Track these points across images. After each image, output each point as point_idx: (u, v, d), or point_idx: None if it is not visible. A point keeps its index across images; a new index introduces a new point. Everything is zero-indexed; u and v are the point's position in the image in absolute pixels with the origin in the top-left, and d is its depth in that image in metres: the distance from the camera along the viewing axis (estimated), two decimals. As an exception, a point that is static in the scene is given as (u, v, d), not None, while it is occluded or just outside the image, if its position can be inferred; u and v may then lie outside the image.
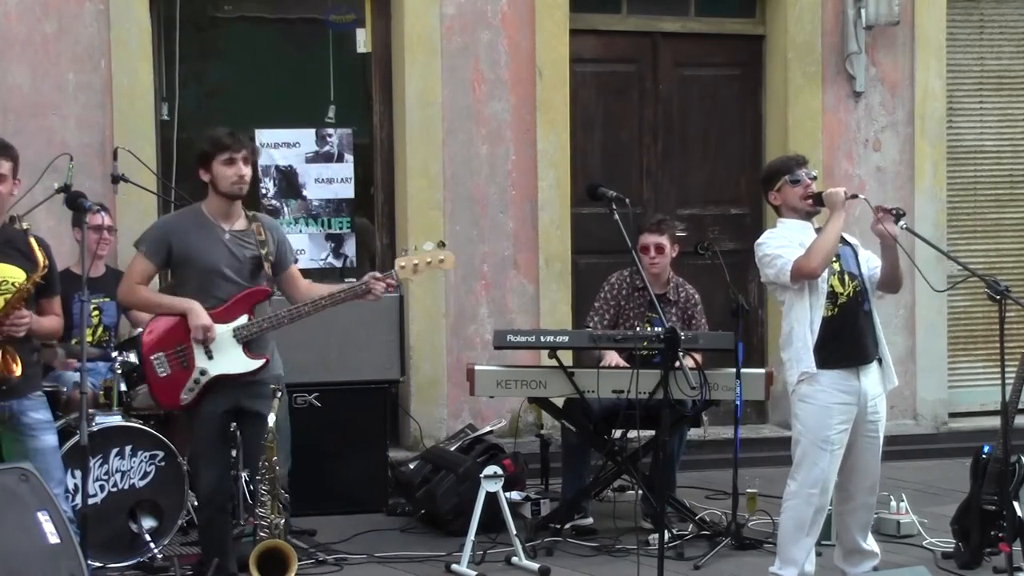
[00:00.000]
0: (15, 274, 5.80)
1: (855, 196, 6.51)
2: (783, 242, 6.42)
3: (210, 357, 6.21)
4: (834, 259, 6.38)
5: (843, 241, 6.49)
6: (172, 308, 6.26)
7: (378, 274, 6.43)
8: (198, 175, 6.36)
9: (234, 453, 6.90)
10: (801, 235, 6.42)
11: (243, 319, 6.26)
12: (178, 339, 6.23)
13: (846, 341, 6.36)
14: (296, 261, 6.75)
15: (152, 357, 6.25)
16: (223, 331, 6.22)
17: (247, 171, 6.29)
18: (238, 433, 6.65)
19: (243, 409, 6.32)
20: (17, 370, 5.72)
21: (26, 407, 5.82)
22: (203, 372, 6.22)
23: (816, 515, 6.40)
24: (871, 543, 6.66)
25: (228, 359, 6.24)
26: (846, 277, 6.41)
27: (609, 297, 8.05)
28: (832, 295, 6.36)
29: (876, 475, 6.56)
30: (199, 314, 6.17)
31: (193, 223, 6.35)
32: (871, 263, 6.53)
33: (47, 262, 5.82)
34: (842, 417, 6.34)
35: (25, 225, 5.96)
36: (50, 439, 5.88)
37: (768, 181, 6.61)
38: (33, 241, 5.81)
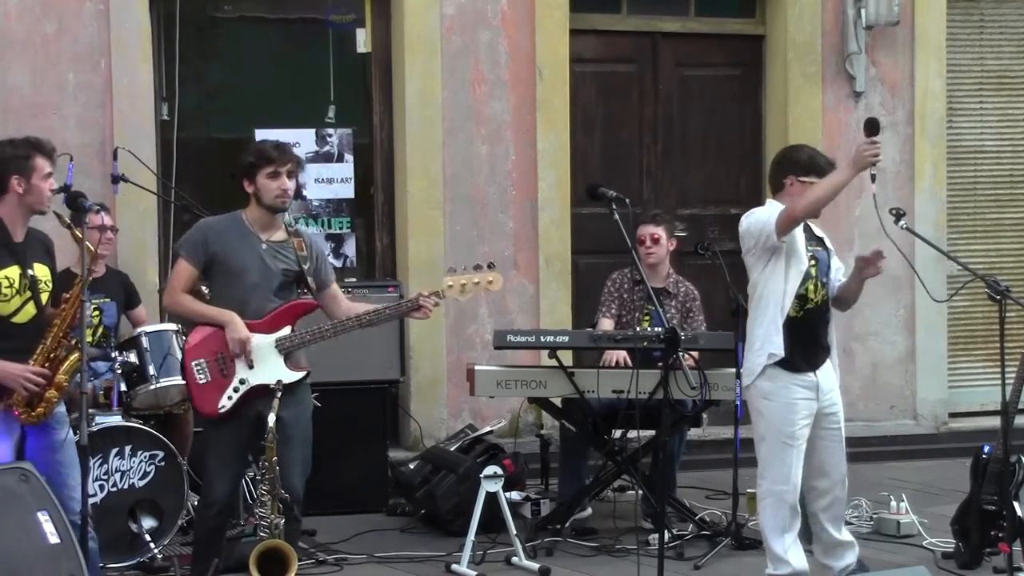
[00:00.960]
0: (46, 274, 5.81)
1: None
2: (771, 210, 6.37)
3: (251, 366, 6.18)
4: (813, 263, 6.35)
5: (823, 245, 6.45)
6: (212, 319, 6.21)
7: (426, 292, 6.44)
8: (241, 185, 6.29)
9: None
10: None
11: (286, 330, 6.24)
12: (220, 347, 6.19)
13: (805, 347, 6.33)
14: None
15: (193, 363, 6.21)
16: (265, 341, 6.19)
17: (291, 184, 6.28)
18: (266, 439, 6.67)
19: (279, 416, 6.25)
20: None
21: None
22: (243, 381, 6.18)
23: (791, 511, 6.38)
24: (846, 534, 6.64)
25: (268, 369, 6.20)
26: (819, 285, 6.39)
27: (612, 290, 8.08)
28: (803, 298, 6.34)
29: (844, 466, 6.49)
30: (237, 327, 6.14)
31: (234, 229, 6.31)
32: (838, 274, 6.52)
33: (89, 245, 5.80)
34: (804, 412, 6.33)
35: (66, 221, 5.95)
36: (70, 432, 5.88)
37: (782, 173, 6.49)
38: (74, 230, 5.81)
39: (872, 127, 6.13)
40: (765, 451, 6.37)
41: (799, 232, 6.34)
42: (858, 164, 6.13)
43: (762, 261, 6.36)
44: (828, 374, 6.45)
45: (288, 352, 6.24)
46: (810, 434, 6.39)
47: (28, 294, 5.71)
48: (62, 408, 5.87)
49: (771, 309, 6.30)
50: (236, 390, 6.18)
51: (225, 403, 6.18)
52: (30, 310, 5.72)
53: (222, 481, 6.27)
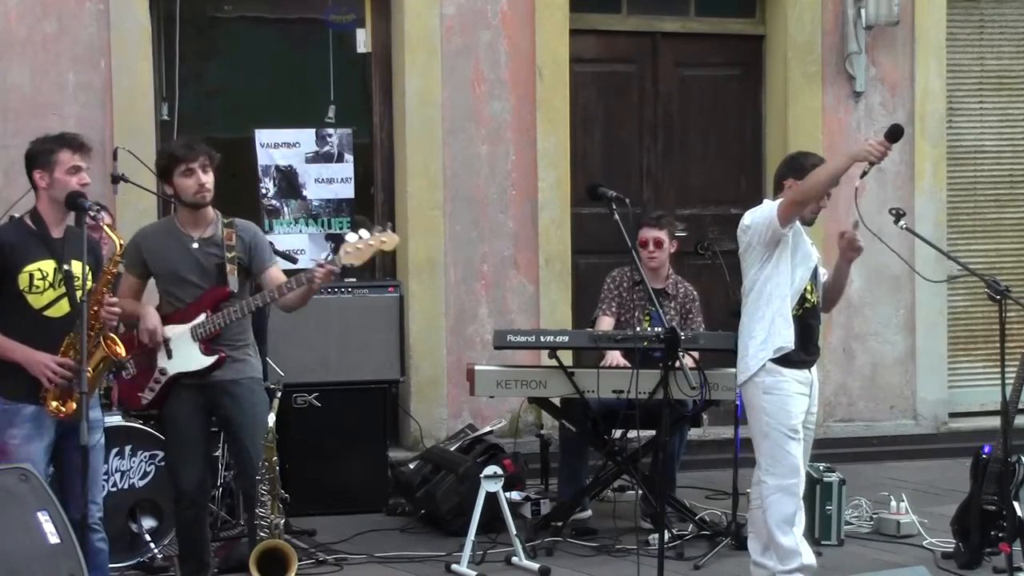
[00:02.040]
0: (89, 273, 5.82)
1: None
2: (772, 206, 6.38)
3: (169, 356, 6.30)
4: (812, 266, 6.40)
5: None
6: (132, 314, 6.34)
7: (321, 261, 6.38)
8: (163, 191, 6.41)
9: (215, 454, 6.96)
10: (798, 225, 6.39)
11: (201, 318, 6.32)
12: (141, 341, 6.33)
13: (802, 345, 6.35)
14: (276, 262, 6.68)
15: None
16: (182, 331, 6.30)
17: (207, 178, 6.30)
18: (222, 435, 6.71)
19: (223, 412, 6.36)
20: (122, 351, 5.79)
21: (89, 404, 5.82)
22: (163, 371, 6.31)
23: (799, 504, 6.38)
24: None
25: (185, 357, 6.30)
26: (816, 287, 6.45)
27: (612, 288, 8.09)
28: (803, 297, 6.36)
29: (805, 466, 6.49)
30: (147, 317, 6.28)
31: (164, 233, 6.45)
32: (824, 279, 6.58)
33: (122, 242, 5.84)
34: (802, 406, 6.37)
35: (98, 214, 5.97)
36: (100, 437, 5.90)
37: (787, 176, 6.52)
38: (107, 229, 5.82)
39: (895, 134, 6.15)
40: (768, 447, 6.35)
41: (804, 233, 6.36)
42: (856, 155, 6.19)
43: (764, 256, 6.34)
44: (815, 376, 6.48)
45: (204, 338, 6.30)
46: None
47: (63, 289, 5.74)
48: (97, 413, 5.90)
49: (776, 303, 6.30)
50: (157, 381, 6.32)
51: (147, 395, 6.34)
52: (64, 306, 5.74)
53: (185, 471, 6.35)
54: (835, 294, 6.64)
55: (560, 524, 7.70)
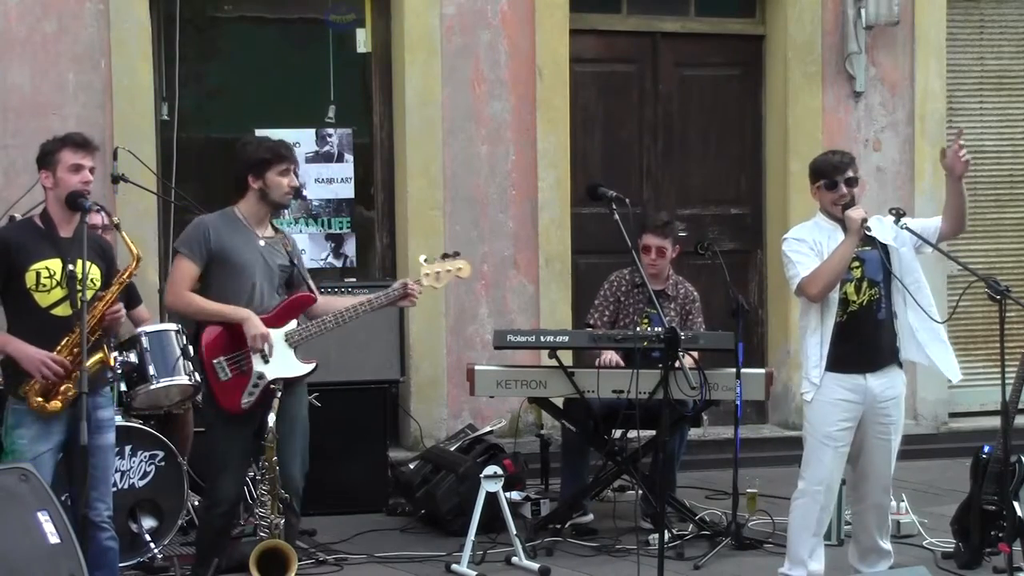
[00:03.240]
0: (95, 273, 5.83)
1: (868, 228, 6.43)
2: (803, 249, 6.44)
3: (266, 362, 6.24)
4: (855, 265, 6.39)
5: (873, 244, 6.46)
6: (227, 317, 6.23)
7: (411, 281, 6.54)
8: (244, 180, 6.34)
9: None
10: (826, 238, 6.43)
11: (293, 324, 6.33)
12: (236, 344, 6.24)
13: (853, 347, 6.37)
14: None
15: (214, 362, 6.25)
16: (276, 335, 6.26)
17: (297, 183, 6.45)
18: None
19: (281, 410, 6.29)
20: (111, 362, 5.82)
21: (97, 404, 5.81)
22: (261, 376, 6.23)
23: (821, 513, 6.43)
24: (886, 542, 6.70)
25: (282, 363, 6.27)
26: (864, 285, 6.42)
27: (608, 294, 8.07)
28: (844, 302, 6.37)
29: (887, 477, 6.59)
30: (256, 323, 6.20)
31: (230, 225, 6.35)
32: (927, 227, 6.53)
33: (139, 254, 5.86)
34: (845, 415, 6.37)
35: (115, 220, 5.98)
36: (110, 437, 5.91)
37: (810, 178, 6.63)
38: (125, 237, 5.83)
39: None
40: (806, 450, 6.48)
41: (837, 231, 6.41)
42: (850, 231, 6.33)
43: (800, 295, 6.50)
44: (887, 382, 6.46)
45: (296, 345, 6.30)
46: (859, 438, 6.45)
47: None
48: (109, 412, 5.92)
49: (812, 340, 6.43)
50: (256, 385, 6.24)
51: (247, 399, 6.24)
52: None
53: (231, 480, 6.30)
54: (956, 214, 6.54)
55: (559, 526, 7.70)
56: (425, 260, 6.68)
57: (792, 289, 6.51)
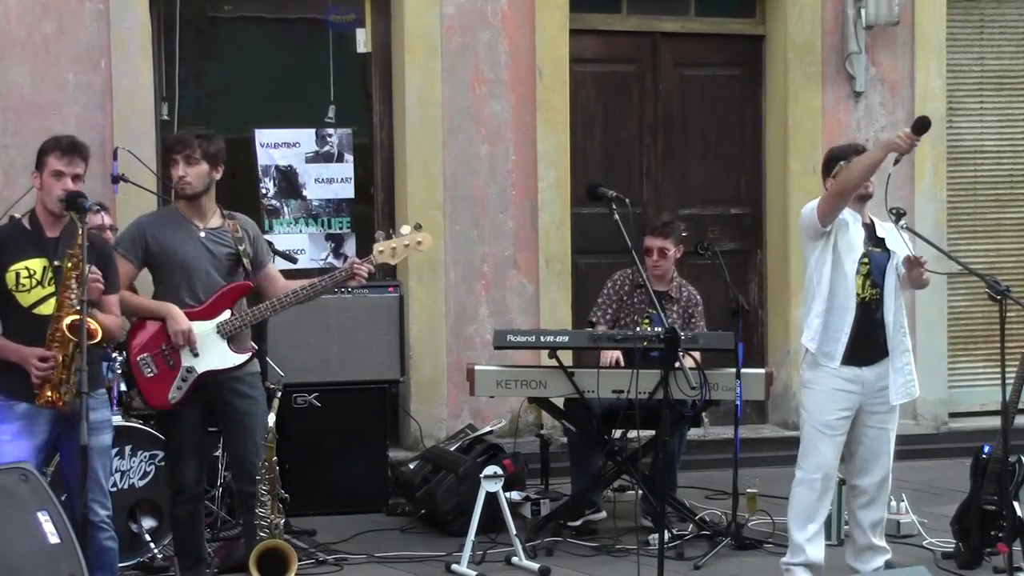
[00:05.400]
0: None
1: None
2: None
3: (195, 355, 6.26)
4: (864, 261, 6.44)
5: (883, 247, 6.51)
6: (151, 312, 6.31)
7: (358, 259, 6.50)
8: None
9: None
10: (851, 220, 6.44)
11: (226, 314, 6.32)
12: (163, 339, 6.28)
13: (851, 341, 6.37)
14: (274, 260, 6.76)
15: (138, 358, 6.30)
16: (207, 328, 6.28)
17: (188, 171, 6.32)
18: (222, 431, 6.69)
19: (227, 407, 6.34)
20: (98, 332, 5.66)
21: (91, 405, 5.79)
22: (190, 370, 6.27)
23: (818, 502, 6.46)
24: (880, 539, 6.71)
25: (213, 355, 6.29)
26: (867, 283, 6.45)
27: (611, 293, 8.07)
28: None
29: (884, 470, 6.61)
30: (177, 319, 6.24)
31: (169, 221, 6.43)
32: (900, 266, 6.57)
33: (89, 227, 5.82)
34: (844, 404, 6.42)
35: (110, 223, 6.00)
36: (106, 438, 5.90)
37: (826, 167, 6.65)
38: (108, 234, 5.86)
39: (921, 126, 6.35)
40: (803, 438, 6.54)
41: (855, 228, 6.42)
42: (888, 144, 6.38)
43: (813, 249, 6.50)
44: (882, 371, 6.48)
45: (231, 335, 6.30)
46: (856, 430, 6.50)
47: (52, 287, 5.74)
48: (106, 413, 5.92)
49: (817, 301, 6.44)
50: (184, 380, 6.27)
51: (175, 394, 6.28)
52: (54, 303, 5.72)
53: (187, 467, 6.36)
54: (911, 285, 6.69)
55: (574, 523, 7.71)
56: (381, 236, 6.63)
57: (814, 220, 6.40)
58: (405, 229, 6.65)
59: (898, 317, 6.54)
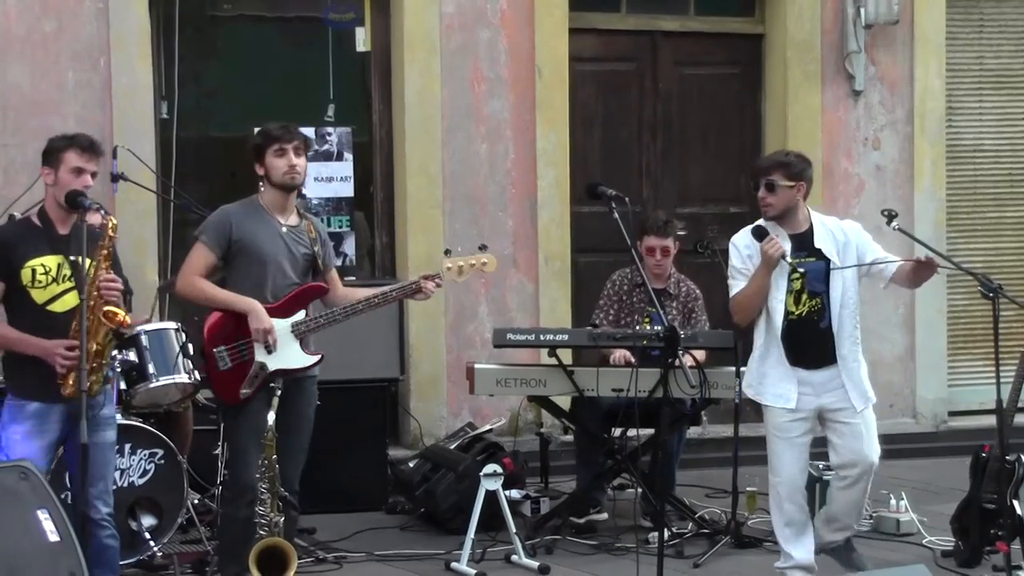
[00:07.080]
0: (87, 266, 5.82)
1: (797, 267, 6.38)
2: (740, 265, 6.45)
3: (269, 352, 6.20)
4: (796, 277, 6.36)
5: (817, 256, 6.42)
6: (234, 307, 6.20)
7: (427, 273, 6.49)
8: (253, 169, 6.33)
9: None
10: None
11: (300, 314, 6.27)
12: (239, 333, 6.20)
13: (794, 352, 6.39)
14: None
15: (214, 351, 6.21)
16: (281, 326, 6.20)
17: (298, 161, 6.28)
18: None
19: (288, 406, 6.24)
20: (126, 320, 5.70)
21: (98, 401, 5.80)
22: (263, 367, 6.19)
23: (788, 504, 6.45)
24: (851, 520, 6.67)
25: (286, 354, 6.23)
26: (804, 296, 6.40)
27: (612, 293, 8.07)
28: (786, 310, 6.39)
29: (862, 456, 6.46)
30: (260, 316, 6.15)
31: (252, 214, 6.31)
32: (869, 257, 6.49)
33: (115, 222, 5.81)
34: (794, 406, 6.39)
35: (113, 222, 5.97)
36: (111, 434, 5.90)
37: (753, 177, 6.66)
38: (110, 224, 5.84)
39: (759, 234, 6.33)
40: (767, 446, 6.53)
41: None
42: (768, 263, 6.29)
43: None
44: (832, 372, 6.44)
45: (303, 336, 6.26)
46: (827, 427, 6.49)
47: (68, 284, 5.74)
48: (111, 410, 5.93)
49: (756, 343, 6.51)
50: (256, 376, 6.19)
51: (246, 390, 6.19)
52: (69, 300, 5.73)
53: (249, 467, 6.19)
54: (913, 286, 6.77)
55: (579, 520, 7.73)
56: (448, 253, 6.65)
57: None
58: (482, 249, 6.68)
59: (848, 326, 6.40)
